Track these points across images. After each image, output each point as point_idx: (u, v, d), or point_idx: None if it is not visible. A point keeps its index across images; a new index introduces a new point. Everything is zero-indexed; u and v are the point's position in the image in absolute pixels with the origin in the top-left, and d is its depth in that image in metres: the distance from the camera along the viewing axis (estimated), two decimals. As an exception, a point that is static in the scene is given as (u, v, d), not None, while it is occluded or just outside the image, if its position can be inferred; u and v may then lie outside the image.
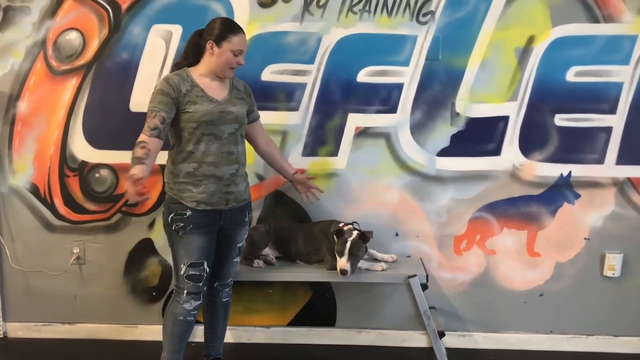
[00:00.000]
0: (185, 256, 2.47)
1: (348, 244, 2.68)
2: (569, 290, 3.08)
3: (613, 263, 3.02)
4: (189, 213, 2.43)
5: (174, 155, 2.47)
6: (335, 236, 2.75)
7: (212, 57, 2.43)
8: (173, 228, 2.46)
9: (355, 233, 2.73)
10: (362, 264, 2.83)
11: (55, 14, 2.98)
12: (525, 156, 2.99)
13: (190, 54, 2.50)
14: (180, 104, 2.40)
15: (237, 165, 2.50)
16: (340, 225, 2.79)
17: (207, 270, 2.52)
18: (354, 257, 2.70)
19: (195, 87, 2.43)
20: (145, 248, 3.16)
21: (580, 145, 2.96)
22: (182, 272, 2.49)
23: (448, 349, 3.01)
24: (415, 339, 3.18)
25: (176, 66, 2.54)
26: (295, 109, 3.00)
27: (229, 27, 2.43)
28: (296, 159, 3.03)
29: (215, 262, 2.58)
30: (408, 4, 2.90)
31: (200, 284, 2.52)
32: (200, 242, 2.47)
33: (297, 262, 2.99)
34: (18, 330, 3.28)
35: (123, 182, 3.07)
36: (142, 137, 2.38)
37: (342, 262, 2.69)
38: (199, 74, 2.47)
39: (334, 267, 2.80)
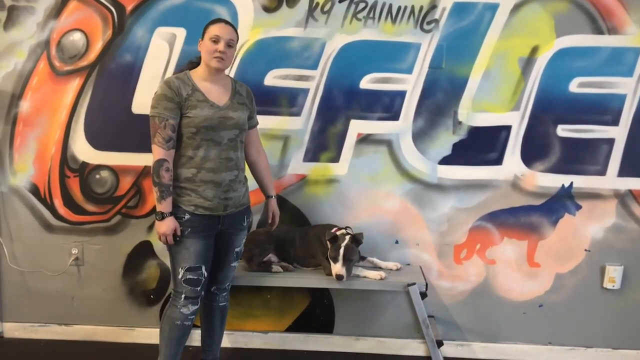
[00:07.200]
0: (183, 260, 2.46)
1: (342, 250, 2.70)
2: (569, 301, 3.07)
3: (613, 275, 3.00)
4: (187, 217, 2.42)
5: (173, 159, 2.44)
6: (329, 242, 2.75)
7: (202, 53, 2.45)
8: (171, 231, 2.45)
9: (347, 238, 2.73)
10: (362, 271, 2.83)
11: (60, 15, 2.98)
12: (527, 166, 2.98)
13: (195, 61, 2.54)
14: (182, 108, 2.39)
15: (236, 171, 2.49)
16: (334, 230, 2.80)
17: (205, 274, 2.51)
18: (348, 262, 2.71)
19: (197, 91, 2.42)
20: (144, 250, 3.15)
21: (582, 157, 2.95)
22: (180, 276, 2.47)
23: (446, 358, 3.01)
24: (414, 348, 3.16)
25: (180, 70, 2.56)
26: (298, 114, 3.00)
27: (210, 21, 2.47)
28: (297, 165, 3.03)
29: (212, 266, 2.57)
30: (412, 11, 2.90)
31: (198, 288, 2.50)
32: (198, 246, 2.45)
33: (294, 265, 2.98)
34: (15, 330, 3.26)
35: (124, 184, 3.09)
36: (160, 152, 2.36)
37: (338, 268, 2.70)
38: (199, 77, 2.46)
39: (332, 273, 2.81)
